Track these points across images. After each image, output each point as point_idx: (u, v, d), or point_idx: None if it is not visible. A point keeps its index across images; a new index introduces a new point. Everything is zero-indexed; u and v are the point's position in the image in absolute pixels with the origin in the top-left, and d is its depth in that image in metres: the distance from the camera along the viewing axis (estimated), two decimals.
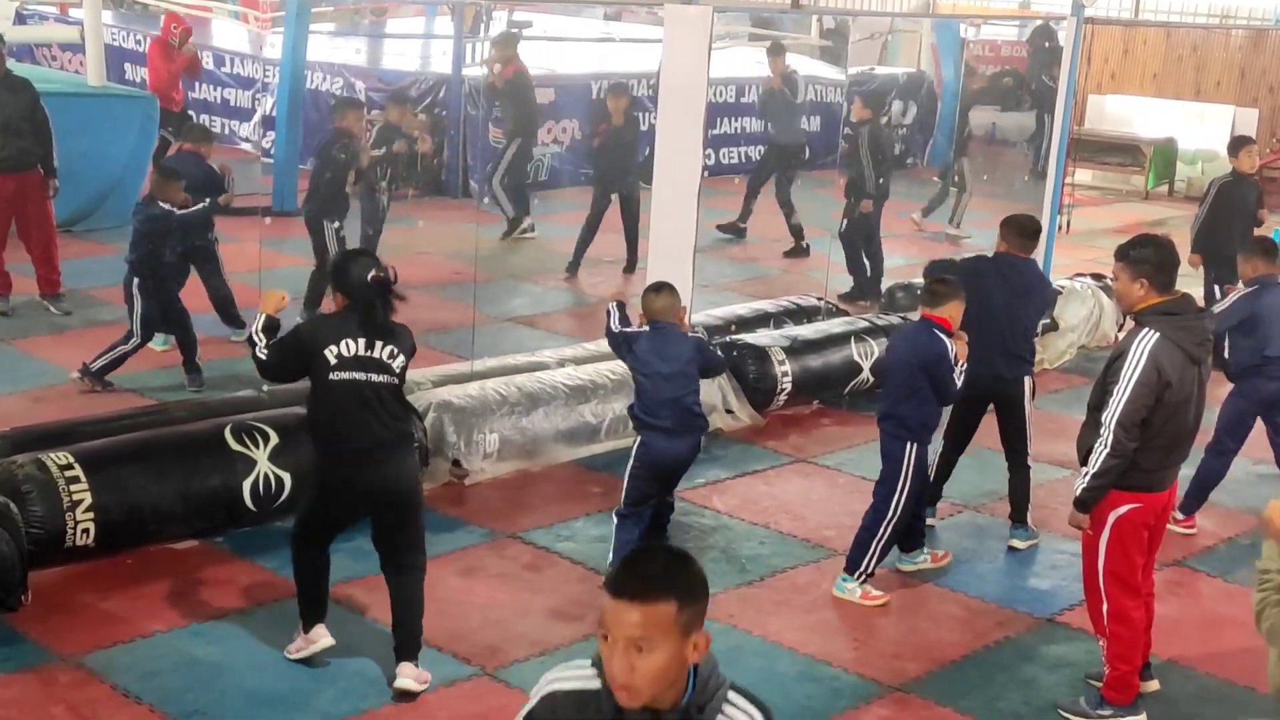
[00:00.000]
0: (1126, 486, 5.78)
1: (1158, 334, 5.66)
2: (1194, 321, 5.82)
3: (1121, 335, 11.31)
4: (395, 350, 5.81)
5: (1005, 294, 7.56)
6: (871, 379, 9.97)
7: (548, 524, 7.68)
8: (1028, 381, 7.69)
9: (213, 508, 7.06)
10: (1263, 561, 4.38)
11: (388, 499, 5.86)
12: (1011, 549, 7.74)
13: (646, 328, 7.13)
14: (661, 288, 7.17)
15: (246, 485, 7.06)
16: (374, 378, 5.75)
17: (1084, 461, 5.82)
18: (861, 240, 12.92)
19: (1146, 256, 5.78)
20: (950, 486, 8.02)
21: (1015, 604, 7.07)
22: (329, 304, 6.57)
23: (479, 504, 7.91)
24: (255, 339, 5.91)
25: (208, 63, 18.27)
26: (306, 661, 6.03)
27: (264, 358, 5.87)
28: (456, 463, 8.05)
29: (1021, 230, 7.73)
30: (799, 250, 14.53)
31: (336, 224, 10.66)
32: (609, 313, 7.30)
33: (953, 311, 6.88)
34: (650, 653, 2.82)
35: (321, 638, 6.04)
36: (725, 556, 7.42)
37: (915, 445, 6.87)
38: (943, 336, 6.80)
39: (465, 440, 8.06)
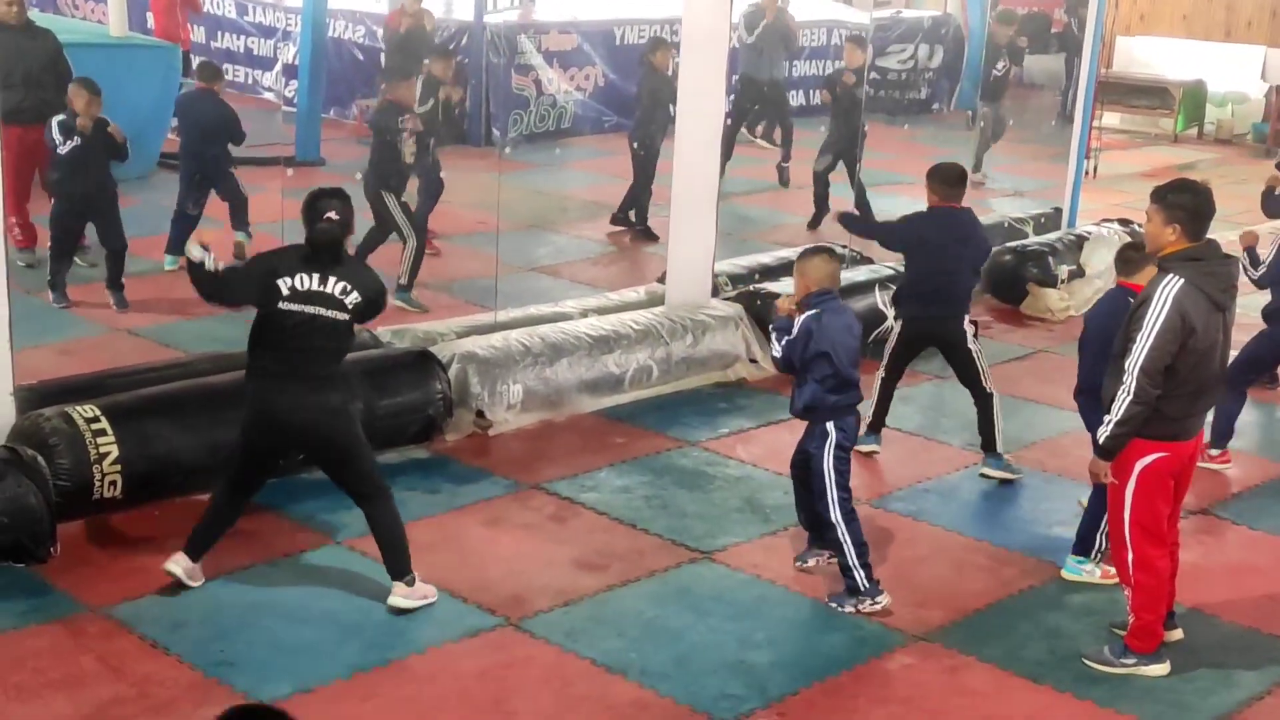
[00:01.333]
0: (1152, 436, 5.75)
1: (1182, 280, 5.61)
2: (1219, 267, 5.76)
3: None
4: (348, 286, 5.95)
5: (949, 244, 7.76)
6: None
7: (571, 475, 7.69)
8: (966, 326, 7.91)
9: None
10: None
11: (312, 442, 6.12)
12: (984, 476, 7.89)
13: (807, 312, 6.30)
14: (823, 250, 6.61)
15: None
16: (323, 312, 5.92)
17: (1107, 409, 5.79)
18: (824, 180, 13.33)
19: (1183, 203, 5.72)
20: (975, 435, 8.01)
21: (1040, 553, 7.06)
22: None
23: (503, 455, 7.93)
24: (195, 257, 6.02)
25: (229, 11, 18.23)
26: (328, 612, 6.07)
27: (214, 270, 6.01)
28: (480, 414, 8.06)
29: (945, 179, 7.85)
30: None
31: (399, 197, 10.44)
32: (780, 332, 6.38)
33: (1147, 279, 6.80)
34: None
35: (173, 563, 6.18)
36: (749, 506, 7.43)
37: None
38: None
39: (489, 391, 8.07)
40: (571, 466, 7.81)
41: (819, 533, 6.64)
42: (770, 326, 6.55)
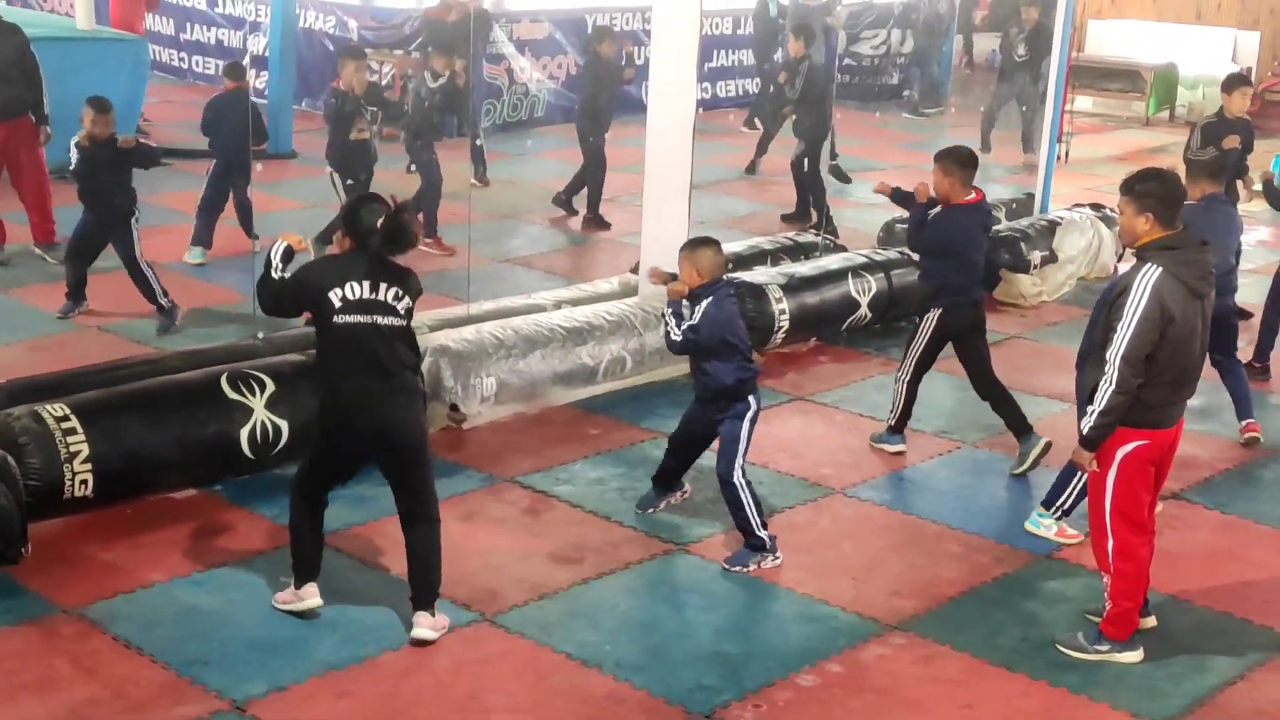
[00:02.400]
0: (1134, 424, 5.77)
1: (1160, 269, 5.64)
2: (1196, 255, 5.79)
3: (1120, 266, 11.35)
4: (400, 292, 5.83)
5: (978, 236, 7.88)
6: (870, 315, 9.96)
7: (546, 467, 7.68)
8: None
9: (211, 456, 7.06)
10: None
11: (389, 444, 5.87)
12: (1031, 453, 7.83)
13: (705, 300, 6.62)
14: (712, 242, 6.85)
15: (244, 433, 7.06)
16: (379, 320, 5.78)
17: (1089, 400, 5.81)
18: (796, 165, 13.21)
19: (1152, 190, 5.75)
20: (949, 422, 8.04)
21: (1013, 540, 7.08)
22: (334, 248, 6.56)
23: (477, 448, 7.92)
24: (272, 262, 5.95)
25: (199, 3, 18.13)
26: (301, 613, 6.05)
27: (276, 279, 5.92)
28: (454, 407, 8.05)
29: (960, 161, 7.75)
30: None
31: (348, 180, 10.54)
32: (668, 318, 6.73)
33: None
34: None
35: (310, 597, 6.05)
36: (723, 497, 7.42)
37: None
38: None
39: (462, 384, 8.05)
40: (546, 459, 7.79)
41: (669, 482, 7.20)
42: (666, 311, 6.79)
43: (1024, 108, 15.84)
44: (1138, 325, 5.60)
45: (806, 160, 13.08)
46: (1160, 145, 18.01)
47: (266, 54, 15.44)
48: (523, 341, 8.39)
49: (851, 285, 9.90)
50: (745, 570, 6.64)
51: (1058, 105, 12.34)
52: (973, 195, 7.77)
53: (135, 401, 6.97)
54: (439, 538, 5.98)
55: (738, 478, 6.67)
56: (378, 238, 5.77)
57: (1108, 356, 5.66)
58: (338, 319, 5.74)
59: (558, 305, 9.16)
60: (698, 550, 6.85)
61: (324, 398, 5.95)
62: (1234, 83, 11.09)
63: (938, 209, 7.75)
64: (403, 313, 5.84)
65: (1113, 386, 5.65)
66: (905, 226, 11.41)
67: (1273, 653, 6.16)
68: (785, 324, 9.44)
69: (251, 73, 16.07)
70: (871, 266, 10.14)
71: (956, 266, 7.76)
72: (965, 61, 21.56)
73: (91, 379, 7.30)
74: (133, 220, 9.44)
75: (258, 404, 7.12)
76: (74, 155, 9.36)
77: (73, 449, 6.51)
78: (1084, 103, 19.77)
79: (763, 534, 6.69)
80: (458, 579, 6.39)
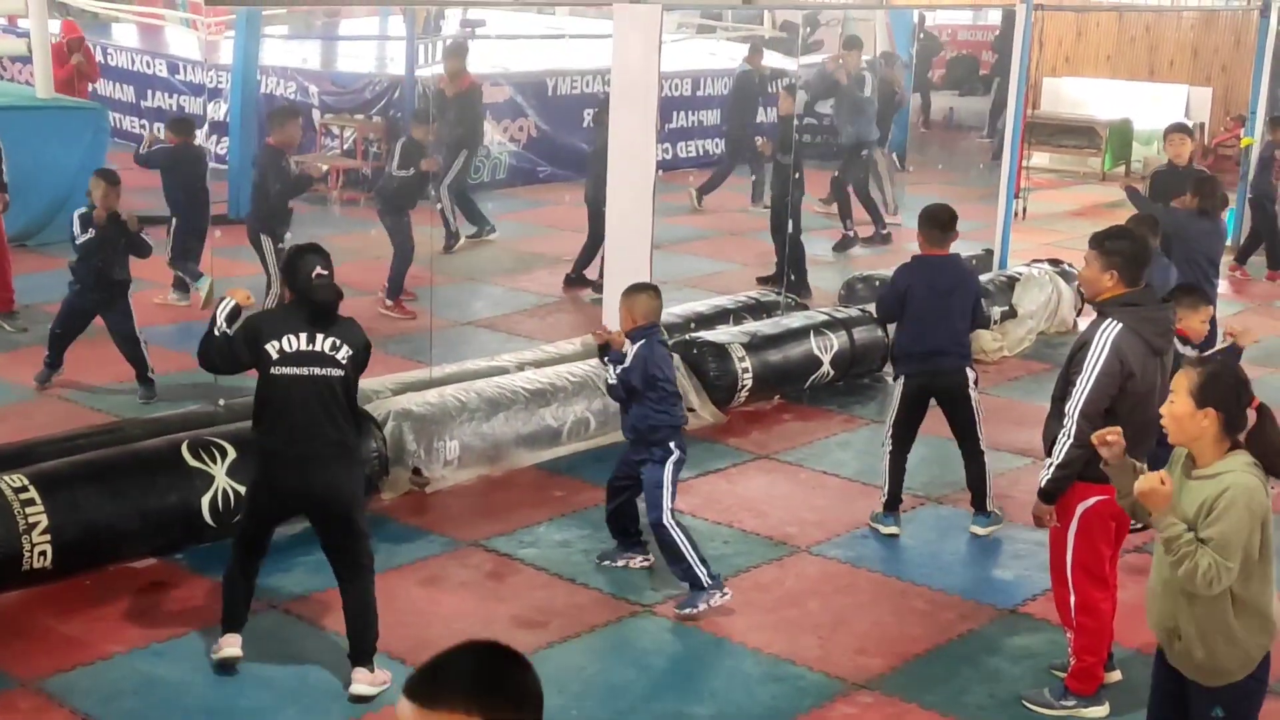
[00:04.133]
0: (1093, 478, 5.78)
1: (1121, 325, 5.70)
2: (1156, 312, 5.85)
3: (1080, 320, 11.44)
4: (339, 342, 5.88)
5: (931, 294, 7.58)
6: (832, 372, 10.00)
7: (510, 530, 7.66)
8: (969, 372, 7.73)
9: (171, 525, 7.02)
10: (1165, 533, 4.38)
11: (316, 502, 5.94)
12: (974, 535, 7.79)
13: (638, 342, 6.81)
14: (648, 287, 7.14)
15: (205, 501, 7.03)
16: (317, 371, 5.84)
17: (1049, 452, 5.84)
18: (779, 229, 13.03)
19: (1121, 249, 5.82)
20: (910, 479, 8.04)
21: (978, 596, 7.09)
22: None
23: (440, 512, 7.89)
24: (218, 321, 6.03)
25: (161, 70, 18.17)
26: (268, 677, 6.00)
27: (218, 336, 6.01)
28: (417, 471, 8.02)
29: (933, 222, 7.65)
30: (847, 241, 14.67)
31: (279, 242, 10.49)
32: (607, 365, 6.93)
33: (1189, 322, 7.31)
34: None
35: (229, 646, 6.08)
36: (659, 545, 7.41)
37: None
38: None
39: (425, 448, 8.03)
40: (510, 522, 7.78)
41: (628, 539, 7.24)
42: (604, 358, 6.96)
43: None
44: (1097, 379, 5.65)
45: (791, 222, 13.02)
46: (1117, 200, 18.16)
47: (227, 120, 15.47)
48: (486, 404, 8.39)
49: (814, 343, 9.95)
50: (695, 611, 6.68)
51: (1014, 162, 12.47)
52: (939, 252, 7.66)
53: (95, 471, 6.92)
54: (373, 593, 6.02)
55: (667, 519, 6.76)
56: (312, 288, 5.85)
57: (1066, 410, 5.70)
58: (274, 370, 5.81)
59: (520, 367, 9.17)
60: (663, 612, 6.83)
61: (263, 450, 5.99)
62: (1170, 130, 11.53)
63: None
64: (343, 362, 5.88)
65: (1070, 440, 5.69)
66: (863, 285, 11.61)
67: None
68: (749, 382, 9.47)
69: (212, 139, 16.19)
70: (833, 324, 10.20)
71: (911, 328, 7.61)
72: (922, 120, 21.82)
73: (51, 449, 7.26)
74: (129, 294, 9.41)
75: (219, 471, 7.08)
76: (77, 227, 9.22)
77: (31, 520, 6.45)
78: (1041, 159, 20.03)
79: (702, 572, 6.74)
80: (421, 644, 6.36)
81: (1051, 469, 5.79)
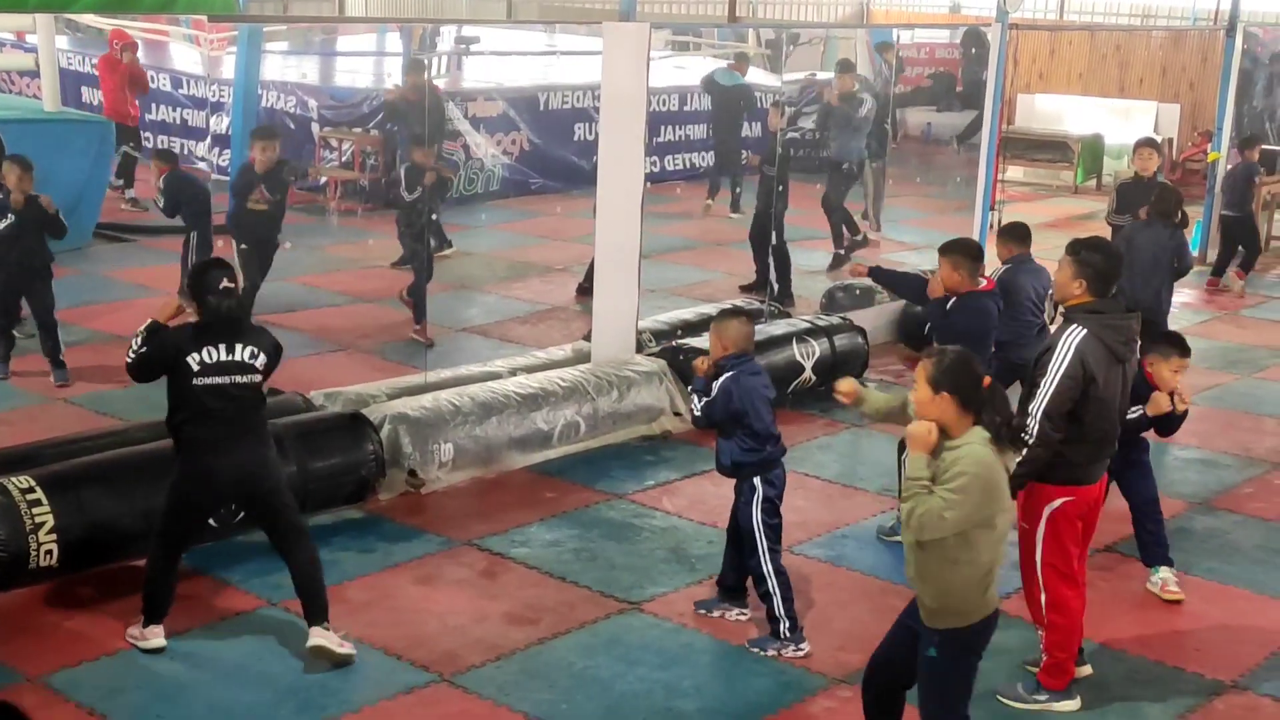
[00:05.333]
0: (1059, 481, 6.00)
1: (1085, 331, 5.91)
2: (1120, 321, 6.06)
3: (1052, 328, 11.63)
4: (255, 350, 6.22)
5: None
6: (814, 378, 10.20)
7: (503, 530, 7.85)
8: None
9: None
10: (911, 472, 4.90)
11: (250, 489, 6.32)
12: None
13: (726, 374, 6.50)
14: (740, 313, 6.84)
15: None
16: (238, 379, 6.19)
17: None
18: (761, 240, 13.18)
19: (1094, 261, 6.04)
20: (891, 480, 8.21)
21: None
22: None
23: (435, 513, 8.07)
24: (133, 342, 6.29)
25: (165, 85, 18.39)
26: (269, 674, 6.18)
27: (131, 359, 6.29)
28: (412, 472, 8.21)
29: (970, 255, 7.59)
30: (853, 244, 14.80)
31: (240, 244, 10.87)
32: (697, 393, 6.59)
33: (1159, 369, 7.04)
34: None
35: (154, 637, 6.36)
36: (675, 556, 7.62)
37: None
38: None
39: (421, 451, 8.22)
40: (502, 522, 7.96)
41: (734, 593, 6.90)
42: (689, 388, 6.79)
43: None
44: (1060, 382, 5.86)
45: (775, 233, 13.20)
46: (1089, 212, 18.46)
47: (229, 133, 15.67)
48: (479, 408, 8.58)
49: (796, 349, 10.13)
50: (763, 653, 6.59)
51: (989, 175, 12.72)
52: (984, 284, 7.62)
53: (100, 472, 7.08)
54: (317, 555, 6.40)
55: (765, 568, 6.55)
56: (224, 300, 6.15)
57: (1030, 410, 5.91)
58: (197, 382, 6.11)
59: (513, 372, 9.35)
60: (651, 609, 7.01)
61: (183, 457, 6.27)
62: (1139, 144, 12.01)
63: (953, 299, 7.49)
64: (260, 368, 6.24)
65: (1032, 439, 5.88)
66: (844, 294, 11.75)
67: (1204, 698, 6.36)
68: None
69: (215, 151, 16.43)
70: (815, 331, 10.39)
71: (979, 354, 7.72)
72: (899, 135, 22.02)
73: (57, 451, 7.42)
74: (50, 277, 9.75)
75: None
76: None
77: (38, 520, 6.61)
78: (1015, 172, 20.44)
79: (783, 626, 6.57)
80: (416, 641, 6.54)
81: (1014, 466, 5.99)
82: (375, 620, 6.71)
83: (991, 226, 12.95)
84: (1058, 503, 6.03)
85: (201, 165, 17.01)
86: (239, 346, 6.18)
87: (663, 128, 18.89)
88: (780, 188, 12.85)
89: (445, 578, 7.29)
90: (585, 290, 12.91)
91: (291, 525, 6.41)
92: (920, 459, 4.90)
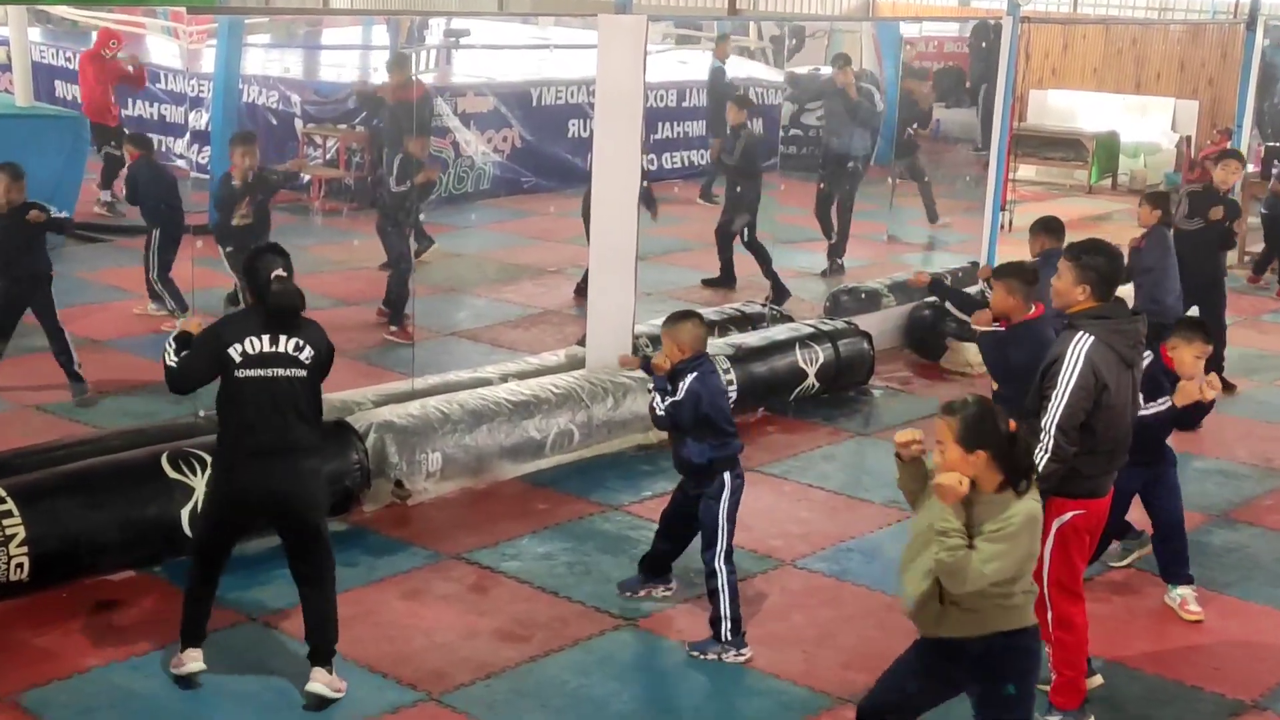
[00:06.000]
0: (1069, 494, 5.79)
1: (1093, 338, 5.69)
2: (1126, 325, 5.85)
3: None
4: (302, 343, 5.86)
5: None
6: (817, 385, 9.98)
7: (493, 543, 7.62)
8: None
9: (151, 537, 6.97)
10: (940, 524, 4.68)
11: (284, 511, 5.93)
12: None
13: (689, 375, 6.48)
14: (692, 315, 6.71)
15: (184, 513, 6.97)
16: (280, 372, 5.81)
17: None
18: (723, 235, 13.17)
19: (1096, 265, 5.82)
20: (897, 491, 7.99)
21: None
22: None
23: (423, 525, 7.85)
24: (168, 349, 5.96)
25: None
26: (242, 691, 5.96)
27: (173, 364, 5.92)
28: (399, 483, 7.98)
29: (1026, 280, 7.25)
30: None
31: (227, 247, 10.56)
32: (652, 393, 6.63)
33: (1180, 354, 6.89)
34: None
35: (191, 662, 6.04)
36: (672, 570, 7.38)
37: None
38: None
39: (407, 460, 7.99)
40: (493, 535, 7.73)
41: (661, 573, 7.01)
42: (650, 387, 6.72)
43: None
44: (1072, 394, 5.63)
45: (747, 230, 13.08)
46: (1104, 213, 18.26)
47: (209, 129, 15.42)
48: (468, 416, 8.35)
49: (799, 355, 9.94)
50: (704, 657, 6.50)
51: (1000, 174, 12.49)
52: (1034, 310, 7.23)
53: (74, 483, 6.88)
54: (334, 598, 6.03)
55: (717, 564, 6.51)
56: (281, 288, 5.81)
57: (1043, 425, 5.67)
58: (239, 374, 5.77)
59: (504, 379, 9.13)
60: (647, 625, 6.80)
61: (229, 455, 5.93)
62: (1225, 155, 11.58)
63: (1008, 330, 7.18)
64: (306, 363, 5.86)
65: (1047, 454, 5.65)
66: (849, 297, 11.57)
67: (1224, 719, 6.17)
68: (733, 394, 9.42)
69: (194, 148, 16.16)
70: (818, 336, 10.19)
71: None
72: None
73: (30, 460, 7.20)
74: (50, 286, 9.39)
75: (199, 483, 7.02)
76: None
77: (8, 532, 6.41)
78: (1027, 171, 20.08)
79: (726, 628, 6.49)
80: (403, 658, 6.33)
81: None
82: (360, 637, 6.48)
83: (1003, 227, 12.77)
84: (1067, 516, 5.83)
85: (180, 163, 16.75)
86: (283, 338, 5.81)
87: (659, 124, 18.67)
88: (747, 182, 12.80)
89: (433, 592, 7.07)
90: (583, 292, 12.71)
91: (316, 560, 5.97)
92: (948, 509, 4.70)
